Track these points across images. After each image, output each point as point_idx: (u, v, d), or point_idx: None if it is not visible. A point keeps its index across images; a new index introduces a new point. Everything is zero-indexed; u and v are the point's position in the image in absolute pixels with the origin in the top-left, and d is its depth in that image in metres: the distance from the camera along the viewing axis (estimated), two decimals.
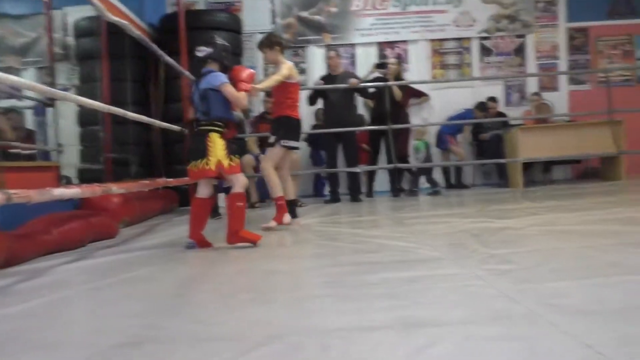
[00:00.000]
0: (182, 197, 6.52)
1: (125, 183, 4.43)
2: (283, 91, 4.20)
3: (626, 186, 5.99)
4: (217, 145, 3.12)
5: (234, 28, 6.96)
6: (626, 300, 1.62)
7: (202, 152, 3.11)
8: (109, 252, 3.26)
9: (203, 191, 3.24)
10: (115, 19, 3.45)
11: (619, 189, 5.65)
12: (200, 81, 3.22)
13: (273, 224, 3.95)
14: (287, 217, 4.03)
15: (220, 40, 3.39)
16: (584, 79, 8.17)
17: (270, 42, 4.18)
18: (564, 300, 1.65)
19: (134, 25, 5.81)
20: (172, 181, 4.89)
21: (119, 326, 1.64)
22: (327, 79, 6.42)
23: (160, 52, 4.55)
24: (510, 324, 1.47)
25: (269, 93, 5.26)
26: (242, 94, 3.27)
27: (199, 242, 3.19)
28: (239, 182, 3.17)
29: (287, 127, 4.17)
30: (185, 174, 6.10)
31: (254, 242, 3.10)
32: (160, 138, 6.70)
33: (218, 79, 3.18)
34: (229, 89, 3.19)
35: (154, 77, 6.74)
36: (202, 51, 3.26)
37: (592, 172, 7.72)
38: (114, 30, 5.02)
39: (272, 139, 4.23)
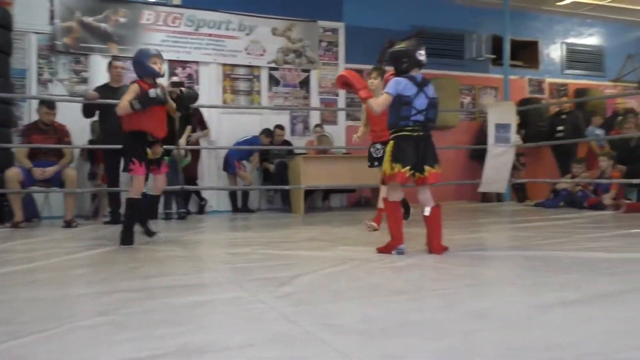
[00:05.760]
0: None
1: None
2: None
3: None
4: None
5: (1, 23, 6.12)
6: (388, 318, 1.80)
7: (436, 157, 3.29)
8: None
9: (399, 195, 3.33)
10: None
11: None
12: (427, 87, 3.27)
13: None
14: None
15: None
16: (359, 115, 9.02)
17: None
18: (337, 320, 1.77)
19: None
20: None
21: None
22: (105, 89, 5.90)
23: None
24: (289, 345, 1.52)
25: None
26: None
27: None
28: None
29: None
30: None
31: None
32: None
33: None
34: None
35: None
36: (425, 56, 3.31)
37: (364, 200, 8.51)
38: None
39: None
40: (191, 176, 7.01)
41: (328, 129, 8.25)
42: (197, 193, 7.42)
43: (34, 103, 6.61)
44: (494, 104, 8.64)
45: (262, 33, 8.24)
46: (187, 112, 4.18)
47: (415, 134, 3.25)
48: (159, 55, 4.04)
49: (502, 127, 7.29)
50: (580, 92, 10.21)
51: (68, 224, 5.50)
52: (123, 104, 3.84)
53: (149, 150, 3.94)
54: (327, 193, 8.31)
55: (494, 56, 9.66)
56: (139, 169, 3.88)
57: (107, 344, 1.55)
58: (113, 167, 5.90)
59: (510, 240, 4.05)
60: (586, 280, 2.39)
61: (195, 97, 4.18)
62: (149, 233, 4.21)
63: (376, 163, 4.78)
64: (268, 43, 8.28)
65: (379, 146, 4.72)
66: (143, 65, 3.96)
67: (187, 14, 7.81)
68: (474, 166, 8.94)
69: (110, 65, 6.15)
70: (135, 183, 3.94)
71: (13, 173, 5.45)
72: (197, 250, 3.66)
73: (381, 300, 2.07)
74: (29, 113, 6.91)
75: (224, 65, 8.10)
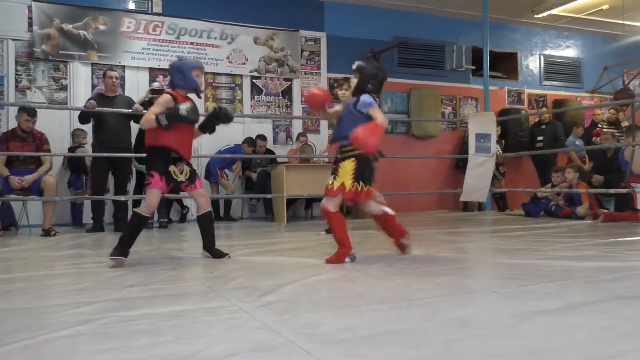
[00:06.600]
0: None
1: None
2: None
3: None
4: None
5: None
6: (371, 327, 1.80)
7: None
8: None
9: (338, 204, 3.44)
10: None
11: (367, 226, 6.32)
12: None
13: None
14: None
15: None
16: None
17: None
18: (319, 329, 1.76)
19: None
20: None
21: None
22: (101, 99, 5.93)
23: None
24: (271, 354, 1.51)
25: None
26: None
27: None
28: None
29: None
30: None
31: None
32: None
33: None
34: None
35: None
36: None
37: (346, 210, 8.52)
38: None
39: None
40: None
41: (310, 138, 8.26)
42: (179, 201, 7.36)
43: (12, 110, 6.52)
44: (475, 114, 8.74)
45: (243, 42, 8.24)
46: (211, 133, 3.80)
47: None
48: (202, 69, 3.65)
49: (482, 137, 7.37)
50: (559, 103, 10.38)
51: (47, 233, 5.42)
52: (148, 117, 3.36)
53: (175, 169, 3.47)
54: (309, 202, 8.30)
55: (473, 67, 9.78)
56: (157, 182, 3.39)
57: (86, 354, 1.52)
58: (99, 175, 5.89)
59: (492, 249, 4.08)
60: (566, 288, 2.42)
61: (231, 118, 3.72)
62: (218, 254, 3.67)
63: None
64: (250, 52, 8.29)
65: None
66: (185, 75, 3.49)
67: (168, 22, 7.78)
68: (457, 175, 9.02)
69: (104, 75, 6.15)
70: (150, 197, 3.41)
71: None
72: (178, 259, 3.62)
73: (364, 309, 2.07)
74: (7, 120, 6.81)
75: (206, 73, 8.07)
